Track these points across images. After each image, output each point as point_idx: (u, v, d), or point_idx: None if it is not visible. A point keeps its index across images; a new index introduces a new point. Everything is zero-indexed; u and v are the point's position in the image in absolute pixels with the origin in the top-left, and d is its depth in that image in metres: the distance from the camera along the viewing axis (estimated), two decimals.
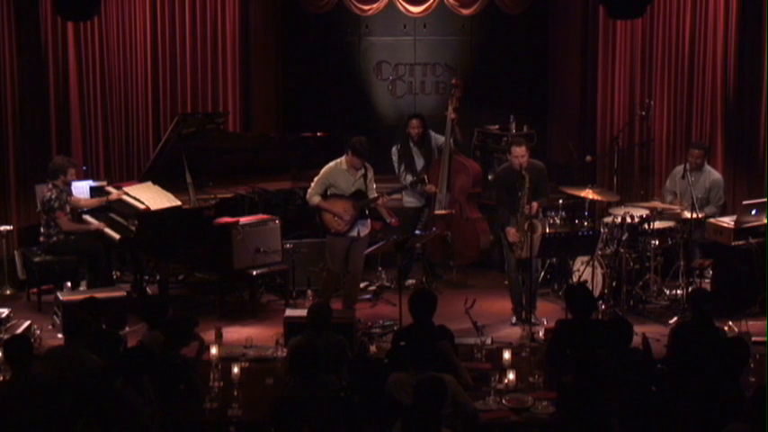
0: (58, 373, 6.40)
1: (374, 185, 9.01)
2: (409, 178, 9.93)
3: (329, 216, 8.88)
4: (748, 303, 8.81)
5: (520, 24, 11.36)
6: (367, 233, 9.00)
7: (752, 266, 8.88)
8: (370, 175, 8.96)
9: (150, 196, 9.21)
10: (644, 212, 9.29)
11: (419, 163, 10.03)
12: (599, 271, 9.21)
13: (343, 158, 8.89)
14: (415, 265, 10.23)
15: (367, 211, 9.00)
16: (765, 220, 9.04)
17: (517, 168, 8.62)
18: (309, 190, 8.96)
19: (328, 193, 8.90)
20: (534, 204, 8.61)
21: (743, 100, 10.55)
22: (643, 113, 10.60)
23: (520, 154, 8.63)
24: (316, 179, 8.95)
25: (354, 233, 8.89)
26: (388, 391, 6.28)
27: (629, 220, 9.17)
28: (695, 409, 5.97)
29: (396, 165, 10.01)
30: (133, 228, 9.04)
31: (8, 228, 10.19)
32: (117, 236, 9.20)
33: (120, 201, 9.39)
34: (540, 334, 8.43)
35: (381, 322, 8.83)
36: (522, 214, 8.59)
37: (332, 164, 8.93)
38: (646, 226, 9.21)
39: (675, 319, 8.81)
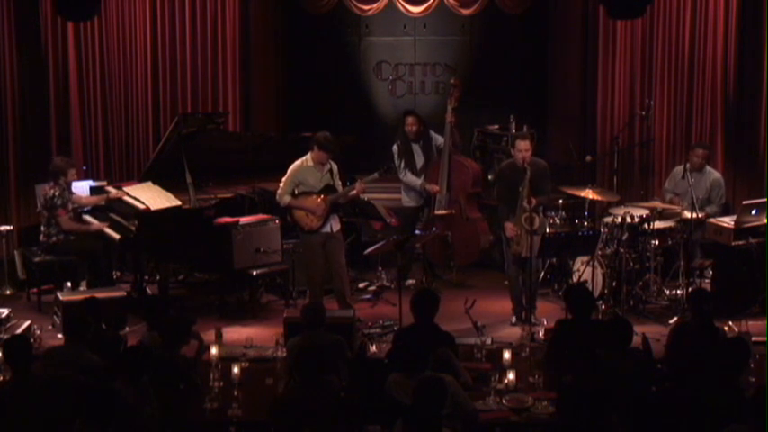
0: (58, 373, 6.40)
1: (339, 181, 8.98)
2: (409, 175, 9.95)
3: (301, 213, 8.83)
4: (748, 303, 8.81)
5: (520, 24, 11.34)
6: (339, 229, 8.97)
7: (752, 266, 8.88)
8: (335, 170, 8.91)
9: (150, 196, 9.21)
10: (644, 212, 9.29)
11: (419, 160, 10.03)
12: (599, 271, 9.21)
13: (308, 156, 8.83)
14: (415, 265, 10.23)
15: (341, 209, 8.99)
16: (765, 220, 9.04)
17: (520, 163, 8.64)
18: (278, 191, 8.88)
19: (296, 192, 8.84)
20: (533, 200, 8.57)
21: (743, 100, 10.54)
22: (643, 113, 10.59)
23: (524, 148, 8.65)
24: (284, 179, 8.87)
25: (327, 229, 8.84)
26: (387, 391, 6.27)
27: (629, 220, 9.16)
28: (695, 409, 5.97)
29: (396, 162, 9.99)
30: (133, 228, 9.04)
31: (8, 228, 10.20)
32: (117, 236, 9.21)
33: (121, 201, 9.41)
34: (540, 334, 8.44)
35: (381, 322, 8.83)
36: (520, 208, 8.59)
37: (298, 162, 8.87)
38: (646, 226, 9.20)
39: (675, 319, 8.81)
